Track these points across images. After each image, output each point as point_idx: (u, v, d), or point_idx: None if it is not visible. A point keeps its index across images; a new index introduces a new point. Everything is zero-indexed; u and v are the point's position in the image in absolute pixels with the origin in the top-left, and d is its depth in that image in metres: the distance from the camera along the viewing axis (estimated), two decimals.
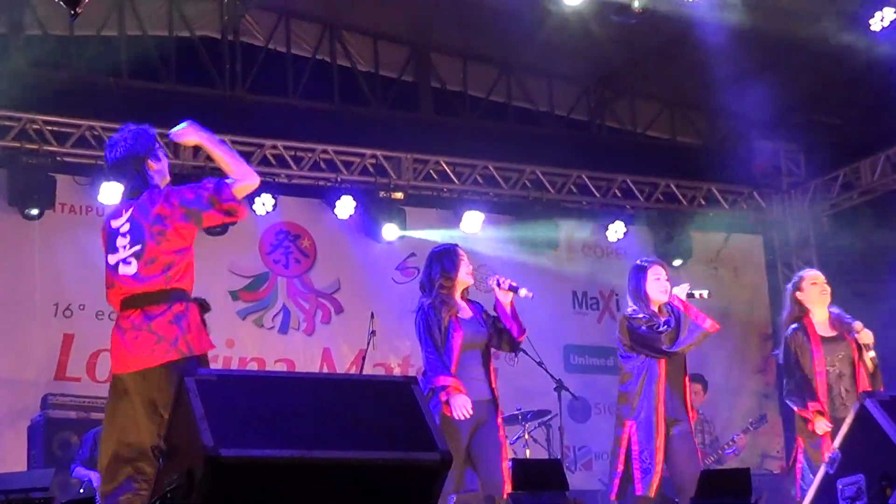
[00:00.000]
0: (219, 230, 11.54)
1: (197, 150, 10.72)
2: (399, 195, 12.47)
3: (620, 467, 7.30)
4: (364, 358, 10.63)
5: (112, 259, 5.48)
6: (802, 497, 6.78)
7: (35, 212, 11.12)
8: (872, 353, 7.59)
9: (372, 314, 10.63)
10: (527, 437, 10.53)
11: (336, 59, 13.07)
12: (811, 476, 7.18)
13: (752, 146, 13.78)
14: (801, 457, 7.67)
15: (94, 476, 9.26)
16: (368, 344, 10.49)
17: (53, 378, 11.01)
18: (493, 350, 7.14)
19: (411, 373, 11.38)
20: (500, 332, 7.11)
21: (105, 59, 11.97)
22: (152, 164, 5.59)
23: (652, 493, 7.16)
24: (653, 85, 13.75)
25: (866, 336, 7.60)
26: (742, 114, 13.01)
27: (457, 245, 7.32)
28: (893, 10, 10.66)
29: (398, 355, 12.25)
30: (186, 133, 5.63)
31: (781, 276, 14.01)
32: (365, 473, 4.52)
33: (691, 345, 7.35)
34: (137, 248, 5.42)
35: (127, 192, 5.63)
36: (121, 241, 5.47)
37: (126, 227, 5.49)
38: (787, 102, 12.98)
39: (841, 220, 13.63)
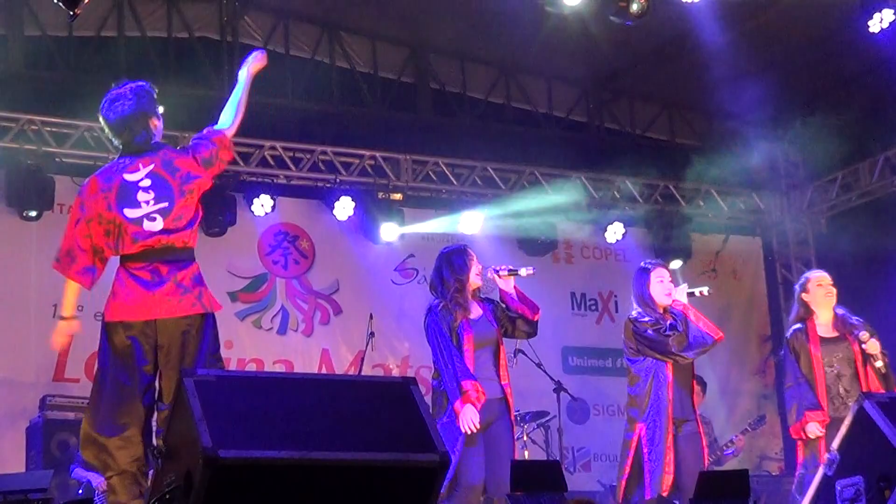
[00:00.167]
0: (217, 230, 11.58)
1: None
2: (398, 196, 12.48)
3: (627, 469, 7.29)
4: (363, 359, 10.65)
5: (132, 213, 5.51)
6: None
7: (34, 212, 11.12)
8: (879, 364, 7.59)
9: (371, 315, 10.66)
10: (525, 438, 10.54)
11: (335, 60, 13.07)
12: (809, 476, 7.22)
13: (751, 148, 13.78)
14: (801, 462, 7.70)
15: (94, 477, 9.27)
16: (367, 345, 10.52)
17: (52, 379, 11.01)
18: (504, 348, 7.08)
19: (410, 373, 11.40)
20: (512, 321, 7.07)
21: (104, 60, 11.97)
22: (156, 122, 5.75)
23: (664, 492, 7.14)
24: (652, 86, 13.75)
25: (872, 346, 7.60)
26: (741, 115, 13.04)
27: (466, 245, 7.27)
28: (892, 11, 10.66)
29: (397, 356, 12.25)
30: (259, 63, 6.11)
31: (780, 278, 14.04)
32: (364, 474, 4.52)
33: (701, 352, 7.35)
34: (164, 204, 5.54)
35: (132, 147, 5.67)
36: (143, 196, 5.54)
37: (147, 183, 5.57)
38: (785, 104, 13.00)
39: (840, 221, 13.63)
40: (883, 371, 7.61)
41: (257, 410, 4.50)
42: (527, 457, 10.39)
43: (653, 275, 7.43)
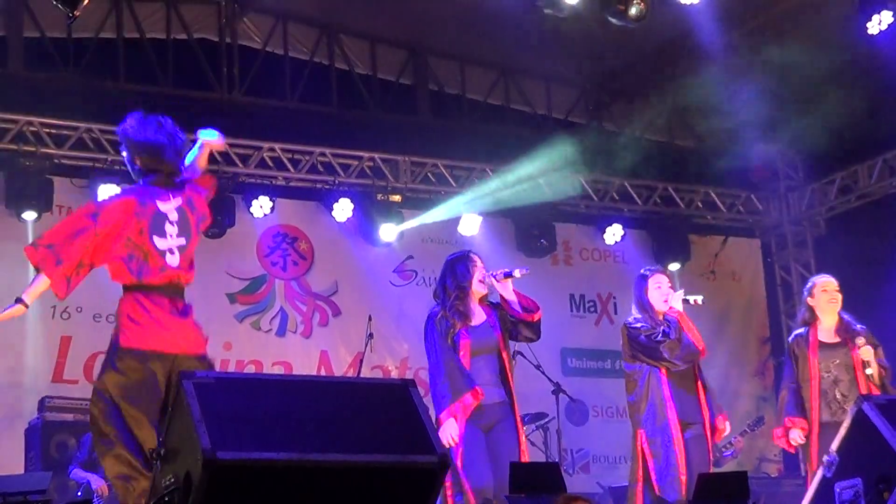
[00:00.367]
0: (216, 232, 11.58)
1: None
2: (397, 198, 12.48)
3: (640, 473, 7.30)
4: (362, 360, 10.65)
5: (161, 244, 5.53)
6: None
7: (33, 214, 11.11)
8: (870, 371, 7.61)
9: (370, 317, 10.65)
10: (524, 439, 10.51)
11: (334, 61, 13.07)
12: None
13: (750, 150, 13.78)
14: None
15: (93, 478, 9.27)
16: (366, 346, 10.51)
17: (51, 381, 11.00)
18: (507, 354, 7.08)
19: (409, 375, 11.41)
20: (515, 325, 7.08)
21: (103, 61, 11.97)
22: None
23: (682, 496, 7.14)
24: (651, 88, 13.74)
25: (866, 353, 7.62)
26: (740, 117, 13.02)
27: (470, 251, 7.27)
28: (891, 13, 10.66)
29: (396, 358, 12.25)
30: (217, 145, 5.98)
31: (779, 280, 14.04)
32: (362, 476, 4.52)
33: (690, 361, 7.35)
34: (183, 241, 5.59)
35: (162, 178, 5.67)
36: (169, 229, 5.58)
37: (175, 216, 5.60)
38: (784, 105, 12.99)
39: (838, 223, 13.64)
40: (876, 382, 7.62)
41: (256, 412, 4.51)
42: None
43: (651, 281, 7.48)
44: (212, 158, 11.76)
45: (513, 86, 13.77)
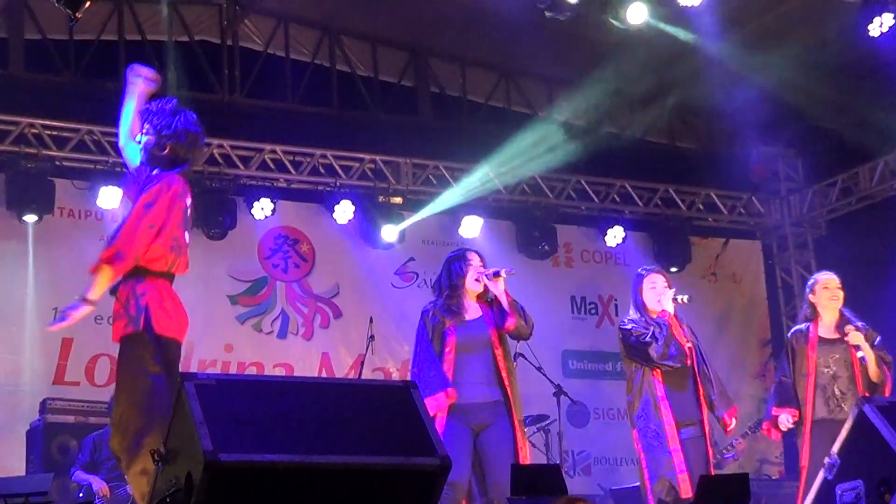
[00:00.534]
0: (217, 234, 11.58)
1: None
2: (398, 200, 12.48)
3: (645, 475, 7.32)
4: (363, 362, 10.64)
5: (187, 238, 5.60)
6: None
7: (34, 216, 11.11)
8: (861, 354, 7.64)
9: (371, 319, 10.64)
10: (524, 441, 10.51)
11: (335, 63, 13.08)
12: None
13: (751, 152, 13.79)
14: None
15: (94, 480, 9.28)
16: (367, 348, 10.51)
17: (52, 383, 11.00)
18: (502, 350, 7.06)
19: (410, 377, 11.39)
20: (505, 322, 7.10)
21: (104, 63, 11.97)
22: None
23: (684, 496, 7.14)
24: (652, 90, 13.73)
25: (854, 338, 7.66)
26: (741, 119, 13.02)
27: (466, 250, 7.30)
28: (892, 15, 10.65)
29: (397, 360, 12.24)
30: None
31: (780, 282, 14.04)
32: (364, 478, 4.52)
33: (678, 361, 7.37)
34: (187, 234, 5.62)
35: (187, 172, 5.74)
36: (188, 225, 5.65)
37: (190, 212, 5.70)
38: (785, 108, 12.99)
39: (839, 225, 13.64)
40: (871, 367, 7.64)
41: (258, 414, 4.51)
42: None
43: (645, 281, 7.53)
44: (213, 160, 11.90)
45: (514, 88, 13.77)
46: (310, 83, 12.88)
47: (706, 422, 7.37)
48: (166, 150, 5.66)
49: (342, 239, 12.47)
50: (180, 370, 5.44)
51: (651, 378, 7.31)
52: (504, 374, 6.96)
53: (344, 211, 12.14)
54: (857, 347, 7.69)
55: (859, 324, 7.79)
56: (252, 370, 11.69)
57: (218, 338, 11.70)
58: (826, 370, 7.72)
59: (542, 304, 12.78)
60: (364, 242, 12.46)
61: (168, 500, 4.42)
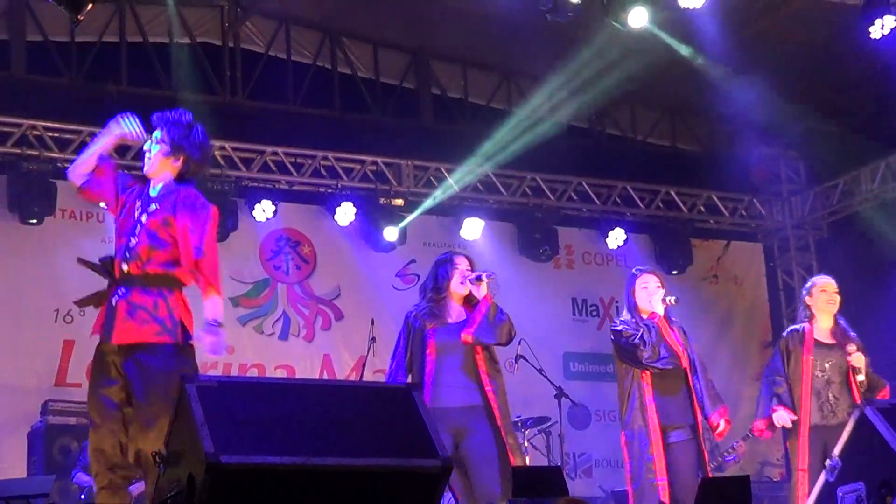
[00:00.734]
0: (218, 235, 11.56)
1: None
2: (399, 202, 12.48)
3: (628, 476, 7.34)
4: (364, 364, 10.64)
5: None
6: None
7: (35, 218, 11.11)
8: (862, 377, 7.63)
9: (372, 321, 10.63)
10: (527, 444, 10.53)
11: (336, 65, 13.09)
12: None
13: (752, 153, 13.80)
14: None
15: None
16: (369, 350, 10.50)
17: (54, 384, 11.01)
18: (485, 355, 7.02)
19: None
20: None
21: (106, 65, 11.99)
22: None
23: (665, 500, 7.14)
24: (653, 92, 13.75)
25: (857, 360, 7.64)
26: (742, 121, 13.03)
27: (455, 253, 7.28)
28: (894, 17, 10.65)
29: None
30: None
31: (781, 284, 14.04)
32: (365, 480, 4.52)
33: (667, 364, 7.36)
34: None
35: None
36: None
37: None
38: (786, 110, 12.99)
39: (841, 227, 13.64)
40: (864, 387, 7.64)
41: (259, 416, 4.51)
42: (528, 463, 10.38)
43: (638, 281, 7.51)
44: (214, 162, 11.89)
45: (515, 90, 13.77)
46: (311, 85, 12.89)
47: (699, 425, 7.37)
48: (179, 162, 5.71)
49: (343, 241, 12.48)
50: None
51: (640, 380, 7.31)
52: (485, 379, 6.91)
53: (345, 213, 12.14)
54: (857, 370, 7.67)
55: (852, 334, 7.80)
56: (253, 372, 11.69)
57: None
58: (821, 374, 7.71)
59: (544, 306, 12.85)
60: (365, 244, 12.46)
61: (170, 501, 4.42)
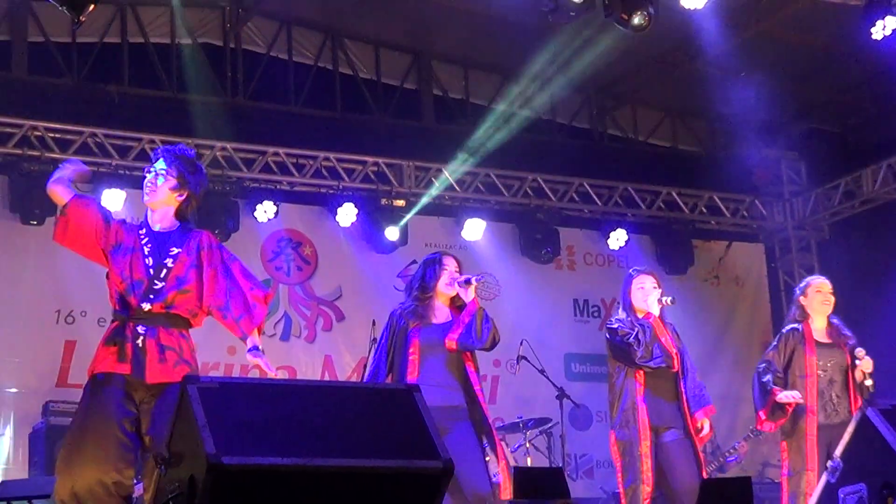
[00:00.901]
0: (219, 237, 11.57)
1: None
2: (401, 203, 12.47)
3: (619, 478, 7.36)
4: (365, 365, 10.61)
5: None
6: None
7: (37, 219, 11.10)
8: (870, 382, 7.63)
9: (373, 321, 10.58)
10: (528, 445, 10.53)
11: (338, 66, 13.10)
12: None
13: (754, 154, 13.79)
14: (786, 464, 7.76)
15: None
16: (370, 351, 10.49)
17: (55, 385, 11.00)
18: (470, 355, 7.01)
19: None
20: None
21: (107, 66, 12.00)
22: None
23: (645, 502, 7.16)
24: (654, 93, 13.76)
25: (867, 364, 7.64)
26: (743, 122, 13.03)
27: (444, 254, 7.26)
28: (895, 18, 10.65)
29: None
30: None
31: (782, 285, 14.03)
32: (367, 481, 4.52)
33: (661, 363, 7.37)
34: None
35: None
36: None
37: None
38: (788, 111, 13.01)
39: (842, 228, 13.64)
40: (873, 390, 7.65)
41: (260, 417, 4.51)
42: (529, 464, 10.38)
43: (634, 281, 7.58)
44: (216, 163, 11.90)
45: (516, 91, 13.77)
46: (313, 86, 12.89)
47: (692, 426, 7.38)
48: (183, 197, 5.75)
49: (345, 242, 12.48)
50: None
51: (633, 380, 7.35)
52: (474, 379, 6.90)
53: (347, 214, 12.14)
54: (865, 373, 7.66)
55: (848, 333, 7.82)
56: (255, 373, 11.66)
57: (220, 340, 11.65)
58: (823, 374, 7.73)
59: (545, 307, 12.85)
60: (367, 245, 12.46)
61: (171, 502, 4.42)
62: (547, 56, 11.92)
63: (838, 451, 6.15)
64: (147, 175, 5.78)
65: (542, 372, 10.37)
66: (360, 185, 12.45)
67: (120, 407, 5.40)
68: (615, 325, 7.45)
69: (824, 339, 7.83)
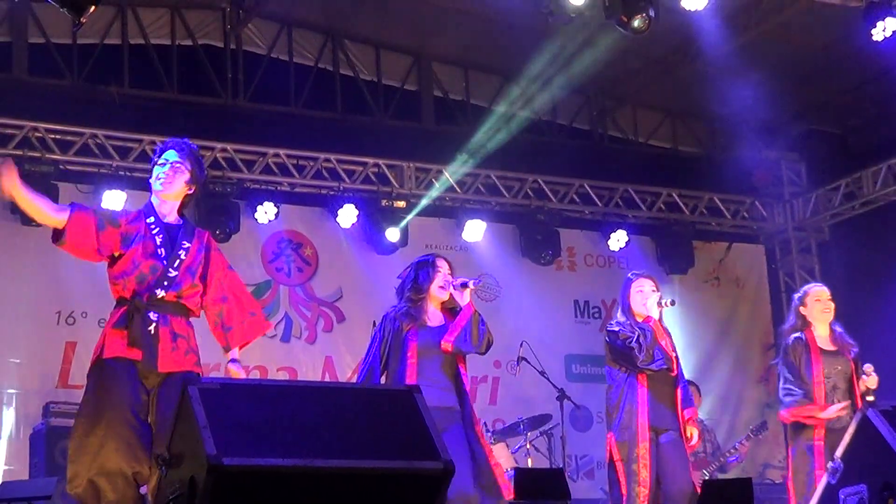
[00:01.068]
0: (221, 238, 11.58)
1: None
2: (401, 204, 12.47)
3: (614, 477, 7.36)
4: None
5: None
6: None
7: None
8: (872, 398, 7.62)
9: (374, 323, 10.54)
10: (528, 446, 10.53)
11: (338, 67, 13.10)
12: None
13: (754, 156, 13.80)
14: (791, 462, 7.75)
15: None
16: None
17: (56, 386, 11.00)
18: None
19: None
20: None
21: (108, 67, 12.00)
22: None
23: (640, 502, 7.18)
24: (655, 94, 13.76)
25: (872, 381, 7.63)
26: (744, 123, 13.04)
27: (436, 256, 7.22)
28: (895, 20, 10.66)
29: None
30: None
31: (783, 286, 14.03)
32: (367, 482, 4.52)
33: (661, 366, 7.38)
34: None
35: None
36: None
37: None
38: (788, 112, 13.01)
39: (843, 230, 13.64)
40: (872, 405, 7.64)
41: (261, 418, 4.51)
42: (530, 465, 10.39)
43: (633, 285, 7.60)
44: (216, 164, 11.91)
45: (516, 92, 13.77)
46: (313, 87, 12.89)
47: (683, 428, 7.41)
48: (192, 191, 5.82)
49: (345, 243, 12.48)
50: None
51: (635, 383, 7.35)
52: (465, 379, 6.91)
53: (347, 215, 12.14)
54: (870, 390, 7.65)
55: (851, 341, 7.81)
56: (255, 374, 11.68)
57: None
58: (828, 381, 7.71)
59: (546, 309, 12.86)
60: (367, 246, 12.46)
61: (171, 503, 4.42)
62: (547, 57, 11.93)
63: (839, 452, 6.15)
64: (161, 166, 5.74)
65: (542, 373, 10.38)
66: (361, 187, 12.45)
67: (134, 393, 5.40)
68: (616, 329, 7.46)
69: (828, 347, 7.79)
